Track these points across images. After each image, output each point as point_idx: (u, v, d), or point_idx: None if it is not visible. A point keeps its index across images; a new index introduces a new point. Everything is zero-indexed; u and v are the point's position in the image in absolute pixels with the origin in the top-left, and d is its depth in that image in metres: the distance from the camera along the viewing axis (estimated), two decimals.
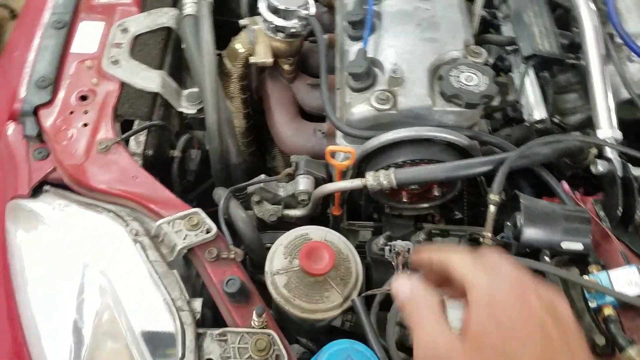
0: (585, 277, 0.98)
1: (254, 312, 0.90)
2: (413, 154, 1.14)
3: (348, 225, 1.38)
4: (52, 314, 1.00)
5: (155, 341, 0.91)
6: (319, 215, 1.35)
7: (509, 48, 1.39)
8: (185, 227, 1.02)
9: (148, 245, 1.00)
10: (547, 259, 0.99)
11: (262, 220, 1.24)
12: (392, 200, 1.27)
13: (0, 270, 1.09)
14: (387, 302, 0.99)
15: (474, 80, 1.11)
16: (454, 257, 0.66)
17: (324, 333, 1.12)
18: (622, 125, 1.33)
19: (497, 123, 1.38)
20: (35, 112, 1.24)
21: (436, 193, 1.22)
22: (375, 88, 1.17)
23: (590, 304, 0.96)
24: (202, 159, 1.37)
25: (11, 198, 1.15)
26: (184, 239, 1.00)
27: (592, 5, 1.28)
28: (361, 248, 1.18)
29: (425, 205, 1.28)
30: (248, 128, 1.61)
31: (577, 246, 0.99)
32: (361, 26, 1.27)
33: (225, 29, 1.53)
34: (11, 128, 1.25)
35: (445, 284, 0.68)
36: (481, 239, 1.04)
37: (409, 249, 1.03)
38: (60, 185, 1.18)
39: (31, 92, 1.27)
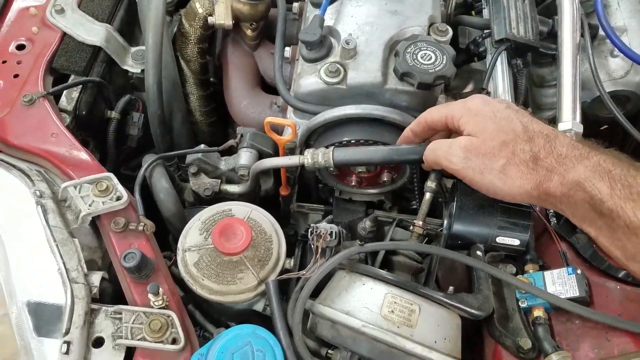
0: (520, 276, 0.90)
1: (148, 291, 0.81)
2: (358, 134, 1.04)
3: (297, 207, 1.30)
4: None
5: (41, 314, 0.82)
6: (270, 195, 1.26)
7: (485, 32, 1.28)
8: (93, 192, 0.93)
9: (51, 209, 0.91)
10: (479, 253, 0.91)
11: (197, 195, 1.15)
12: (341, 183, 1.18)
13: None
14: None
15: (431, 59, 1.01)
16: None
17: (250, 317, 1.04)
18: (597, 122, 1.26)
19: None
20: None
21: (385, 179, 1.13)
22: (328, 59, 1.08)
23: (520, 304, 0.88)
24: (145, 123, 1.27)
25: None
26: (90, 205, 0.91)
27: None
28: None
29: (375, 191, 1.19)
30: (207, 96, 1.50)
31: (513, 242, 0.91)
32: None
33: None
34: None
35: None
36: (411, 227, 0.96)
37: (331, 232, 0.94)
38: None
39: None
